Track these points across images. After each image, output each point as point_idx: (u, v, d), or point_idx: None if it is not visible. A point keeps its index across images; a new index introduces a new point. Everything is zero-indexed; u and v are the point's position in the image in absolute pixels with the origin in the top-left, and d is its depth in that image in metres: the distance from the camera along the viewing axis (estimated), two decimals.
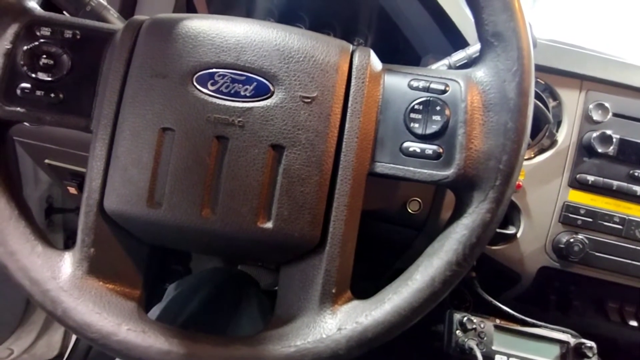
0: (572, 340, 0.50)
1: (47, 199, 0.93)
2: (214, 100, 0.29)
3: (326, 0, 0.61)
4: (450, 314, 0.52)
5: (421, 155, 0.29)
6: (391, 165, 0.29)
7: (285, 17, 0.61)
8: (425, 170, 0.29)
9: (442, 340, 0.52)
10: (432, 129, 0.29)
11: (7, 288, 0.92)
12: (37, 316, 0.99)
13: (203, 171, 0.28)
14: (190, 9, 0.57)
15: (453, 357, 0.50)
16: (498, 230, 0.51)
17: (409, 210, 0.53)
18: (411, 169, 0.29)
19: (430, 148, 0.29)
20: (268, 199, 0.28)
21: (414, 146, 0.29)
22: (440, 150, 0.28)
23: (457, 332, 0.51)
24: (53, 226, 0.95)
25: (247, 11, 0.63)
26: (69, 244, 0.98)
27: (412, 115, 0.29)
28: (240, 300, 0.46)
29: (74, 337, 1.00)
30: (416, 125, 0.29)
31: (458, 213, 0.29)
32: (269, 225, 0.28)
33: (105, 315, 0.28)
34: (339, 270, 0.29)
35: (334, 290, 0.29)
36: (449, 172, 0.28)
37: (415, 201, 0.53)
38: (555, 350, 0.50)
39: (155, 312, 0.44)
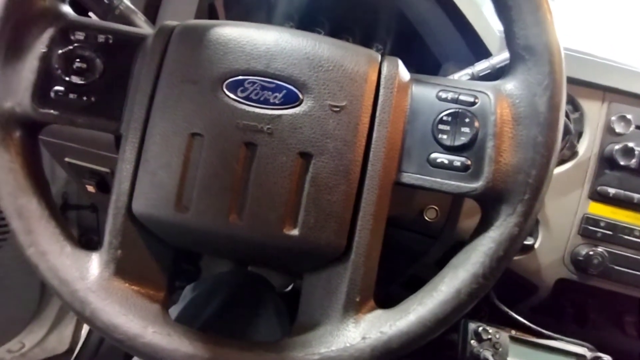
0: (589, 354, 0.50)
1: (63, 195, 0.94)
2: (243, 107, 0.29)
3: (347, 5, 0.61)
4: (465, 324, 0.52)
5: (449, 166, 0.29)
6: (418, 175, 0.29)
7: (305, 21, 0.62)
8: (453, 182, 0.29)
9: (456, 349, 0.51)
10: (461, 140, 0.29)
11: (20, 284, 0.94)
12: (49, 311, 1.00)
13: (231, 177, 0.29)
14: (212, 13, 0.58)
15: None
16: None
17: (426, 218, 0.52)
18: (438, 180, 0.29)
19: (458, 160, 0.29)
20: (295, 207, 0.28)
21: (442, 157, 0.29)
22: (469, 162, 0.28)
23: (472, 341, 0.50)
24: (67, 222, 0.96)
25: (267, 15, 0.63)
26: (82, 241, 0.99)
27: (441, 126, 0.29)
28: (257, 304, 0.46)
29: (84, 332, 1.01)
30: (444, 136, 0.29)
31: (485, 226, 0.29)
32: (295, 232, 0.28)
33: (132, 317, 0.28)
34: (364, 279, 0.29)
35: (358, 299, 0.29)
36: (477, 185, 0.28)
37: (433, 209, 0.53)
38: None
39: (173, 313, 0.44)
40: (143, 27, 0.39)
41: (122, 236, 0.30)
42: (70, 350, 0.98)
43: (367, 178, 0.29)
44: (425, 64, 0.53)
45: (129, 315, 0.28)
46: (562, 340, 0.50)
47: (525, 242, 0.50)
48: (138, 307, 0.29)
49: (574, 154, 0.51)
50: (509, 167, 0.28)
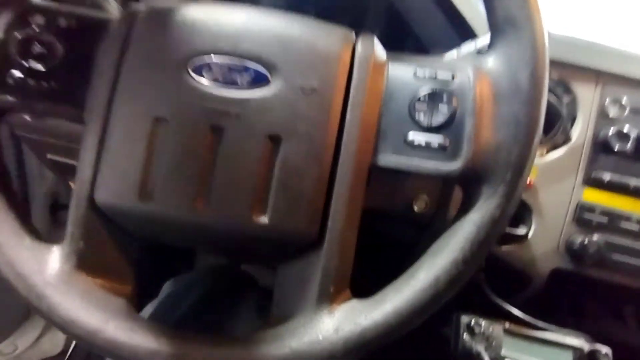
0: (586, 346, 0.48)
1: (53, 194, 0.93)
2: (210, 89, 0.28)
3: None
4: (458, 317, 0.50)
5: (427, 147, 0.27)
6: (395, 157, 0.28)
7: (291, 10, 0.60)
8: (431, 163, 0.27)
9: (449, 344, 0.50)
10: (439, 119, 0.27)
11: None
12: None
13: (197, 163, 0.27)
14: None
15: None
16: (508, 230, 0.49)
17: (415, 209, 0.51)
18: (416, 161, 0.27)
19: (436, 140, 0.27)
20: (264, 193, 0.27)
21: (420, 137, 0.27)
22: (447, 142, 0.27)
23: (465, 335, 0.49)
24: (58, 223, 0.95)
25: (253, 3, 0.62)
26: None
27: (418, 105, 0.28)
28: (237, 300, 0.45)
29: None
30: (422, 115, 0.27)
31: (465, 208, 0.27)
32: (265, 219, 0.27)
33: (93, 311, 0.27)
34: (338, 268, 0.27)
35: (332, 290, 0.27)
36: (456, 166, 0.26)
37: (422, 199, 0.51)
38: (568, 356, 0.48)
39: (148, 310, 0.43)
40: (112, 10, 0.37)
41: (85, 227, 0.29)
42: (64, 352, 0.97)
43: (340, 162, 0.28)
44: (413, 50, 0.52)
45: (89, 310, 0.27)
46: (558, 332, 0.49)
47: (518, 232, 0.49)
48: (100, 301, 0.28)
49: (567, 139, 0.49)
50: (489, 146, 0.26)
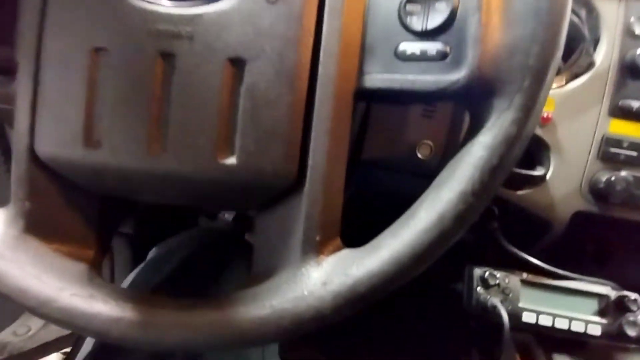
0: (613, 293, 0.44)
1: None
2: (155, 7, 0.23)
3: None
4: (470, 270, 0.46)
5: (422, 57, 0.22)
6: (385, 75, 0.23)
7: None
8: (429, 77, 0.22)
9: (462, 300, 0.46)
10: (435, 21, 0.22)
11: None
12: None
13: (147, 98, 0.23)
14: None
15: (475, 316, 0.45)
16: (524, 171, 0.44)
17: (419, 156, 0.46)
18: (410, 77, 0.22)
19: (433, 47, 0.22)
20: (229, 129, 0.23)
21: (413, 47, 0.22)
22: (447, 48, 0.22)
23: (478, 289, 0.45)
24: None
25: None
26: None
27: (409, 7, 0.22)
28: (225, 260, 0.41)
29: None
30: (414, 19, 0.22)
31: (473, 130, 0.22)
32: (233, 160, 0.23)
33: (45, 279, 0.24)
34: (323, 212, 0.23)
35: (318, 238, 0.23)
36: (459, 75, 0.21)
37: (426, 145, 0.46)
38: (593, 305, 0.44)
39: (129, 278, 0.40)
40: None
41: (29, 185, 0.25)
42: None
43: (318, 85, 0.23)
44: None
45: (42, 277, 0.24)
46: (581, 280, 0.45)
47: (535, 174, 0.44)
48: (55, 268, 0.24)
49: (590, 64, 0.43)
50: (501, 48, 0.21)
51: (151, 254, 0.44)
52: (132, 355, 0.32)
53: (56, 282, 0.24)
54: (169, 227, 0.58)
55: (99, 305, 0.23)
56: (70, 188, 0.26)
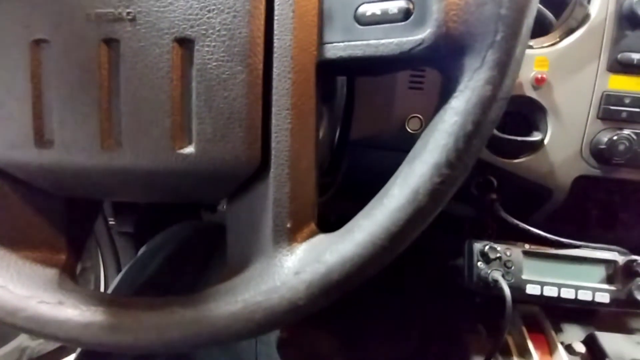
0: (621, 259, 0.42)
1: None
2: None
3: None
4: (470, 245, 0.44)
5: (383, 18, 0.20)
6: (346, 43, 0.21)
7: None
8: (391, 40, 0.20)
9: (462, 276, 0.45)
10: None
11: None
12: None
13: (94, 89, 0.21)
14: None
15: (476, 293, 0.43)
16: (520, 138, 0.42)
17: (409, 130, 0.44)
18: (372, 42, 0.20)
19: (394, 5, 0.20)
20: (184, 115, 0.21)
21: (373, 8, 0.20)
22: (410, 5, 0.19)
23: (479, 263, 0.43)
24: None
25: None
26: None
27: None
28: (210, 257, 0.40)
29: None
30: None
31: (445, 95, 0.20)
32: (191, 149, 0.21)
33: (12, 288, 0.23)
34: (292, 197, 0.21)
35: (289, 225, 0.21)
36: (423, 35, 0.19)
37: (416, 118, 0.44)
38: (600, 271, 0.42)
39: (117, 279, 0.39)
40: None
41: None
42: None
43: (275, 59, 0.21)
44: None
45: (8, 287, 0.23)
46: (586, 247, 0.43)
47: (532, 139, 0.41)
48: (24, 276, 0.23)
49: (585, 17, 0.40)
50: None
51: (139, 252, 0.43)
52: (117, 356, 0.32)
53: (23, 291, 0.23)
54: (170, 223, 0.57)
55: (68, 311, 0.22)
56: (30, 192, 0.24)
